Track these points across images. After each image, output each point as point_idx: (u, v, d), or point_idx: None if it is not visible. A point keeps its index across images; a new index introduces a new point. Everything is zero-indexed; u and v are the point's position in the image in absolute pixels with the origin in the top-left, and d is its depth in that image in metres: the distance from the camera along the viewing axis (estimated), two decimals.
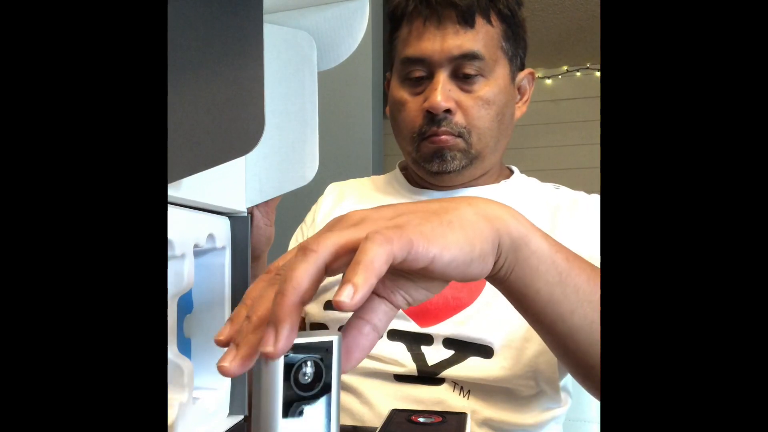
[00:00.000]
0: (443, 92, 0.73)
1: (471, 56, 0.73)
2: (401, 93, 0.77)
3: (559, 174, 3.40)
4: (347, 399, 0.73)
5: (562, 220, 0.76)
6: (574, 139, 3.44)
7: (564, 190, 0.82)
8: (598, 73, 3.42)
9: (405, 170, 0.89)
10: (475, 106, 0.74)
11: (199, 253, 0.50)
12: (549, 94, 3.46)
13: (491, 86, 0.75)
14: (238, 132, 0.40)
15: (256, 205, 0.63)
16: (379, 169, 1.90)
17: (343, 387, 0.73)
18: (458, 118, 0.74)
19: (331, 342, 0.37)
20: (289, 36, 0.54)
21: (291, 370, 0.36)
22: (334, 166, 1.86)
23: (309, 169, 0.54)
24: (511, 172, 0.87)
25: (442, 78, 0.73)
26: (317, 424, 0.37)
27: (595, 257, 0.70)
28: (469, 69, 0.73)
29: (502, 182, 0.83)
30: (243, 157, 0.54)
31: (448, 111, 0.74)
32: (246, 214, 0.55)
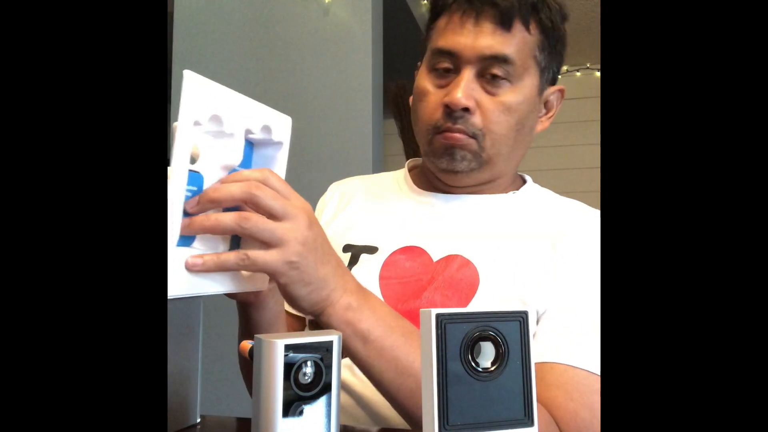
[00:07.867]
0: (465, 90, 0.72)
1: (501, 59, 0.72)
2: (425, 83, 0.77)
3: (559, 174, 3.40)
4: (342, 399, 0.73)
5: (565, 246, 0.74)
6: (574, 139, 3.44)
7: (576, 212, 0.79)
8: (598, 73, 3.42)
9: (413, 170, 0.88)
10: (495, 110, 0.73)
11: (258, 143, 0.58)
12: None
13: (516, 93, 0.74)
14: None
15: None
16: (379, 169, 1.89)
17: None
18: (476, 118, 0.73)
19: (331, 342, 0.37)
20: None
21: (291, 370, 0.36)
22: (334, 167, 1.86)
23: None
24: (524, 181, 0.85)
25: (468, 75, 0.73)
26: (317, 424, 0.37)
27: (588, 295, 0.68)
28: (497, 71, 0.73)
29: (511, 193, 0.81)
30: None
31: (466, 109, 0.73)
32: None
